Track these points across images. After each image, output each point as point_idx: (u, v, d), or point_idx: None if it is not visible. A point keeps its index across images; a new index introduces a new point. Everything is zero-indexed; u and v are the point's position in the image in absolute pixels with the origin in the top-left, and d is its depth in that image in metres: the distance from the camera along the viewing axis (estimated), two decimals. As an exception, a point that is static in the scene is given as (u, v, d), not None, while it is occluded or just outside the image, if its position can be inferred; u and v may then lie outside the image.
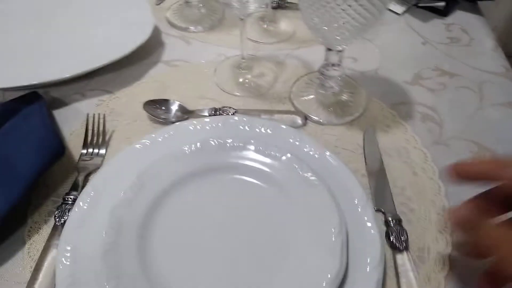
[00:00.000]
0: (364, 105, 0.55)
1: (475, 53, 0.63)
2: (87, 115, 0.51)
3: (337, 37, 0.44)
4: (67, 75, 0.54)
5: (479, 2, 0.72)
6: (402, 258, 0.39)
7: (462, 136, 0.51)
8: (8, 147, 0.44)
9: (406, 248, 0.40)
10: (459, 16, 0.70)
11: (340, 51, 0.49)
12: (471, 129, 0.52)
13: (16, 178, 0.41)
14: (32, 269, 0.39)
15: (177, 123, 0.50)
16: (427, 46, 0.65)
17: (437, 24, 0.69)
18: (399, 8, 0.70)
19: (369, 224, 0.40)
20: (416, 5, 0.71)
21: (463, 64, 0.61)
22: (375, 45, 0.65)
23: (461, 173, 0.34)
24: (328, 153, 0.46)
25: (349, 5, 0.39)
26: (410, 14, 0.71)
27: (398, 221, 0.42)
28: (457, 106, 0.55)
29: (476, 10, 0.72)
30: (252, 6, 0.49)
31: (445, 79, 0.59)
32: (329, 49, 0.49)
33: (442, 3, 0.69)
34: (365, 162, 0.48)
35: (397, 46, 0.65)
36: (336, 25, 0.42)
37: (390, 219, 0.42)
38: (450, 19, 0.70)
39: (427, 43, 0.65)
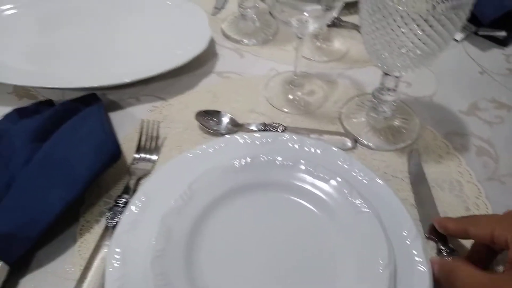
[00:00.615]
0: (417, 132, 0.54)
1: (536, 87, 0.61)
2: (142, 120, 0.53)
3: (398, 64, 0.43)
4: (127, 80, 0.56)
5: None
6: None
7: (519, 174, 0.49)
8: (67, 147, 0.46)
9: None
10: (521, 47, 0.68)
11: (397, 76, 0.48)
12: (529, 167, 0.50)
13: (74, 179, 0.42)
14: (82, 268, 0.40)
15: (227, 135, 0.51)
16: (484, 76, 0.63)
17: (496, 54, 0.67)
18: (458, 35, 0.69)
19: (418, 259, 0.39)
20: (475, 33, 0.69)
21: (523, 97, 0.59)
22: (431, 71, 0.63)
23: (441, 228, 0.41)
24: (378, 180, 0.45)
25: (415, 34, 0.39)
26: (469, 41, 0.69)
27: (452, 251, 0.41)
28: (515, 141, 0.53)
29: (539, 42, 0.69)
30: (312, 27, 0.50)
31: (503, 112, 0.57)
32: (386, 74, 0.49)
33: (503, 33, 0.67)
34: (411, 186, 0.47)
35: (453, 74, 0.63)
36: (398, 52, 0.41)
37: (444, 248, 0.41)
38: (510, 49, 0.68)
39: (485, 73, 0.64)
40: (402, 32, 0.39)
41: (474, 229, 0.37)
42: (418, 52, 0.41)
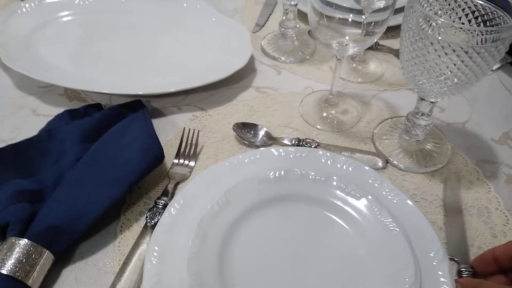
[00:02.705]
0: (448, 157, 0.55)
1: None
2: (184, 128, 0.56)
3: (435, 91, 0.45)
4: (171, 90, 0.59)
5: None
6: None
7: (549, 206, 0.49)
8: (115, 149, 0.49)
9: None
10: (556, 80, 0.68)
11: (433, 102, 0.50)
12: (559, 200, 0.50)
13: (120, 179, 0.45)
14: (121, 263, 0.43)
15: (262, 148, 0.53)
16: (518, 106, 0.64)
17: (531, 85, 0.68)
18: (493, 64, 0.70)
19: (443, 280, 0.40)
20: (511, 63, 0.70)
21: (557, 130, 0.59)
22: (464, 97, 0.64)
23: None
24: (408, 201, 0.46)
25: (454, 64, 0.40)
26: (504, 71, 0.70)
27: (472, 274, 0.41)
28: (547, 173, 0.53)
29: None
30: (351, 50, 0.52)
31: (535, 143, 0.57)
32: (422, 99, 0.50)
33: (540, 65, 0.68)
34: (444, 209, 0.48)
35: (487, 102, 0.64)
36: (436, 80, 0.43)
37: (464, 269, 0.42)
38: (546, 81, 0.68)
39: (519, 103, 0.64)
40: (442, 61, 0.41)
41: None
42: (456, 80, 0.42)
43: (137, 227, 0.46)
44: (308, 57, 0.72)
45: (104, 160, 0.47)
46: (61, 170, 0.49)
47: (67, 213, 0.43)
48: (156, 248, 0.42)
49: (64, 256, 0.43)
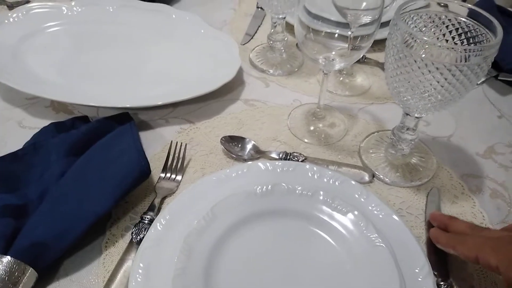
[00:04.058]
0: (434, 171, 0.55)
1: (553, 134, 0.62)
2: (171, 142, 0.56)
3: (419, 107, 0.46)
4: (159, 103, 0.59)
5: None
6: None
7: (532, 219, 0.50)
8: (101, 163, 0.49)
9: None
10: (540, 94, 0.70)
11: (418, 117, 0.50)
12: (542, 214, 0.51)
13: (105, 194, 0.45)
14: (105, 279, 0.42)
15: (250, 162, 0.53)
16: (503, 120, 0.65)
17: (515, 99, 0.69)
18: (478, 78, 0.71)
19: (428, 296, 0.40)
20: (495, 77, 0.71)
21: (540, 144, 0.60)
22: (449, 112, 0.65)
23: (434, 239, 0.45)
24: (394, 216, 0.46)
25: (437, 82, 0.41)
26: (489, 85, 0.71)
27: (451, 286, 0.42)
28: (530, 187, 0.54)
29: (559, 89, 0.71)
30: (338, 65, 0.52)
31: (519, 157, 0.58)
32: (407, 114, 0.51)
33: (523, 79, 0.69)
34: (425, 222, 0.49)
35: (472, 116, 0.65)
36: (420, 96, 0.43)
37: (442, 283, 0.42)
38: (530, 95, 0.69)
39: (503, 117, 0.65)
40: (425, 79, 0.41)
41: (461, 249, 0.41)
42: (439, 97, 0.43)
43: (123, 243, 0.46)
44: (296, 69, 0.73)
45: (89, 174, 0.47)
46: (46, 185, 0.48)
47: (51, 229, 0.43)
48: (141, 264, 0.41)
49: (48, 273, 0.43)
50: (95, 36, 0.74)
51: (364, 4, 0.53)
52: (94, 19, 0.77)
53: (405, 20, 0.46)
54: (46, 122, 0.57)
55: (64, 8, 0.77)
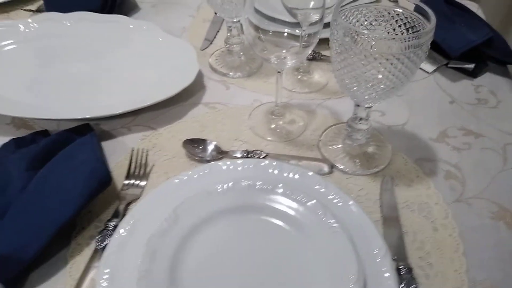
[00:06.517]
0: (389, 158, 0.57)
1: (502, 115, 0.65)
2: (132, 149, 0.56)
3: (366, 97, 0.48)
4: (118, 112, 0.60)
5: (509, 66, 0.75)
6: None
7: (484, 196, 0.53)
8: (61, 174, 0.49)
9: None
10: (488, 78, 0.73)
11: (368, 107, 0.52)
12: (492, 190, 0.53)
13: (67, 204, 0.45)
14: (72, 288, 0.43)
15: (212, 162, 0.55)
16: (454, 106, 0.68)
17: (466, 85, 0.72)
18: (429, 67, 0.74)
19: (386, 275, 0.42)
20: (446, 65, 0.74)
21: (489, 125, 0.63)
22: (403, 101, 0.68)
23: None
24: (351, 202, 0.48)
25: (378, 71, 0.43)
26: (440, 73, 0.74)
27: (409, 270, 0.44)
28: (481, 166, 0.57)
29: (506, 73, 0.74)
30: (290, 63, 0.54)
31: (470, 139, 0.61)
32: (358, 105, 0.53)
33: (472, 65, 0.72)
34: (381, 210, 0.51)
35: (425, 104, 0.68)
36: (365, 87, 0.45)
37: (402, 267, 0.44)
38: (479, 80, 0.73)
39: (455, 103, 0.68)
40: (367, 69, 0.43)
41: None
42: (382, 86, 0.45)
43: (88, 251, 0.46)
44: (255, 71, 0.74)
45: (50, 185, 0.47)
46: (8, 199, 0.48)
47: (14, 242, 0.43)
48: (106, 270, 0.42)
49: (14, 286, 0.43)
50: (54, 50, 0.74)
51: (312, 3, 0.55)
52: (51, 34, 0.77)
53: (346, 15, 0.48)
54: (6, 139, 0.57)
55: (20, 25, 0.77)
